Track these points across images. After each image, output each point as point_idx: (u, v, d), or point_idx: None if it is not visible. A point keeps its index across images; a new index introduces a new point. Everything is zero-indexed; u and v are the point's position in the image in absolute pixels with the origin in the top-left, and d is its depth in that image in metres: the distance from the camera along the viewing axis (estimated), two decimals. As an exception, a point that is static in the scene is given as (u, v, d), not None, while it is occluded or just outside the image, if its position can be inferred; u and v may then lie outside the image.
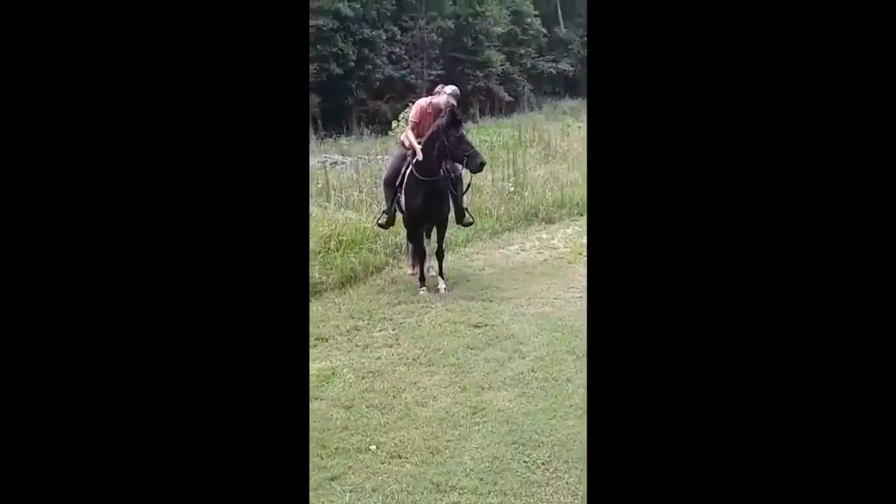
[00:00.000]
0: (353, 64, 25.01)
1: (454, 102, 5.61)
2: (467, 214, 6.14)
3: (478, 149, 5.57)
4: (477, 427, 3.42)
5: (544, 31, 32.70)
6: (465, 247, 7.25)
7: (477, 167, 5.37)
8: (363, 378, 4.06)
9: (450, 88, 5.74)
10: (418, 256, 5.92)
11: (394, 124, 9.84)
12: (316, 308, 5.32)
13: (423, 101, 5.93)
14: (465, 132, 5.58)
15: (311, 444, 3.24)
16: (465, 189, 6.07)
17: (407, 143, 5.74)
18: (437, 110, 5.67)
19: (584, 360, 3.49)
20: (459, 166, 5.64)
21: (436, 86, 6.09)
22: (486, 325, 4.90)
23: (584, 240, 6.29)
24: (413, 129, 5.76)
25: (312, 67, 23.12)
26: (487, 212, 8.13)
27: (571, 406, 3.57)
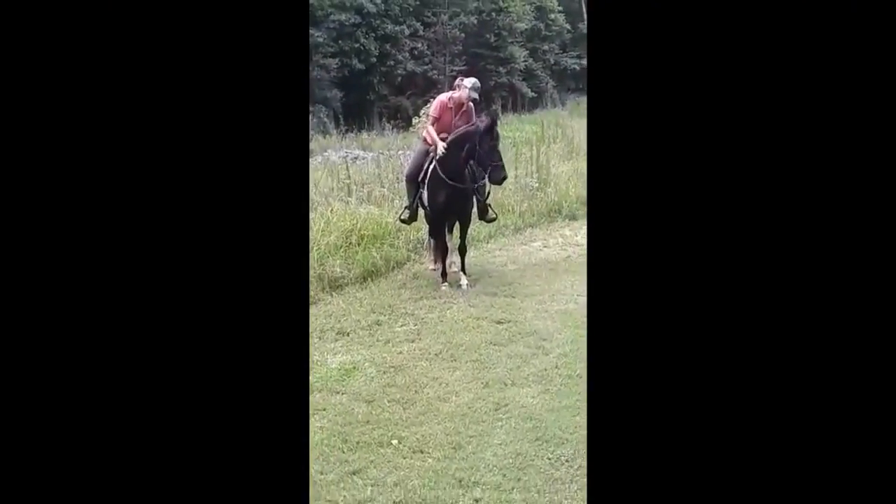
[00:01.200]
0: (375, 59, 24.99)
1: (475, 96, 5.59)
2: (490, 210, 6.11)
3: (504, 163, 5.51)
4: (500, 423, 3.40)
5: (568, 27, 32.46)
6: (488, 243, 7.23)
7: (499, 180, 5.44)
8: (385, 373, 4.05)
9: (469, 81, 5.66)
10: (440, 252, 5.90)
11: (414, 120, 9.82)
12: (337, 302, 5.33)
13: (443, 97, 5.90)
14: (499, 143, 5.47)
15: (333, 438, 3.25)
16: (488, 189, 6.03)
17: (429, 140, 5.71)
18: (457, 105, 5.66)
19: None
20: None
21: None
22: (508, 322, 4.87)
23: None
24: (433, 125, 5.74)
25: (334, 62, 23.18)
26: (510, 208, 8.09)
27: (595, 403, 3.54)
